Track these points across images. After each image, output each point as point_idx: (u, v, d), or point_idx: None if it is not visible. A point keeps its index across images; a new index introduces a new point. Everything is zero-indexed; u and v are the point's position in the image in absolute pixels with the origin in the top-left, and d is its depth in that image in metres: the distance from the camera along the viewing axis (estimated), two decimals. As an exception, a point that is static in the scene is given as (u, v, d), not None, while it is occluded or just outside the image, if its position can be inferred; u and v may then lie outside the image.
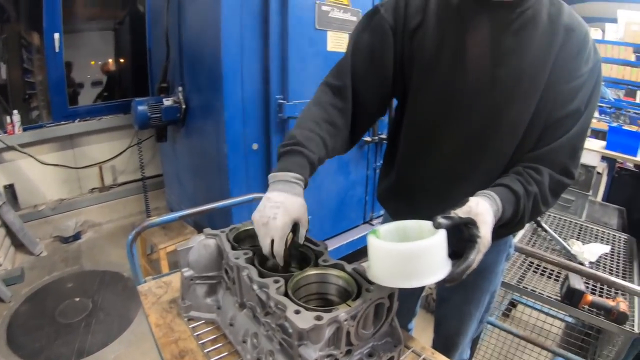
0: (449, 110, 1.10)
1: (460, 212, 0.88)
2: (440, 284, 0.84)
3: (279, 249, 0.95)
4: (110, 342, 2.59)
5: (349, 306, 0.86)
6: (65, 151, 3.90)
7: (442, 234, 0.83)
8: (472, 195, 0.97)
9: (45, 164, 3.74)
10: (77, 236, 3.86)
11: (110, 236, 3.98)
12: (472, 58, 1.03)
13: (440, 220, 0.84)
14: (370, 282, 0.93)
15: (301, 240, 1.01)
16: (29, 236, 3.54)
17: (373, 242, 0.86)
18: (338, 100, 1.13)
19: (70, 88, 3.98)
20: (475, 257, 0.85)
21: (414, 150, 1.22)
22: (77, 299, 2.99)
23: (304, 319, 0.80)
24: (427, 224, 0.89)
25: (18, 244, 3.55)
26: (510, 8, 0.99)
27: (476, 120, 1.08)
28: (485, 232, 0.87)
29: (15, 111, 3.51)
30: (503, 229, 1.02)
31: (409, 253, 0.81)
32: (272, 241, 0.95)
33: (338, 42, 2.60)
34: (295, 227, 0.99)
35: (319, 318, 0.81)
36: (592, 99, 1.03)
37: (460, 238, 0.88)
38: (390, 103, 1.26)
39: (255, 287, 0.94)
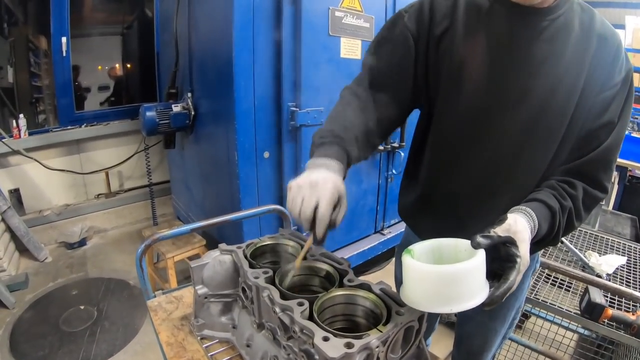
0: (480, 123, 1.05)
1: (500, 231, 0.82)
2: (478, 308, 0.78)
3: (325, 213, 0.87)
4: (115, 353, 2.54)
5: (380, 331, 0.80)
6: (72, 156, 3.88)
7: (482, 254, 0.77)
8: (502, 210, 0.92)
9: (51, 168, 3.71)
10: (82, 242, 3.83)
11: (116, 243, 3.95)
12: (504, 67, 0.99)
13: (480, 239, 0.78)
14: (400, 305, 0.87)
15: (338, 221, 0.92)
16: (34, 241, 3.51)
17: (409, 263, 0.80)
18: (364, 105, 1.09)
19: (77, 92, 3.96)
20: (516, 278, 0.79)
21: (442, 165, 1.17)
22: (82, 307, 2.95)
23: (334, 347, 0.75)
24: (463, 243, 0.83)
25: (22, 249, 3.52)
26: (542, 15, 0.95)
27: (509, 133, 1.03)
28: (524, 251, 0.82)
29: (21, 115, 3.49)
30: (537, 245, 0.98)
31: (449, 276, 0.75)
32: (317, 206, 0.87)
33: (351, 49, 2.56)
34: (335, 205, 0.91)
35: (349, 345, 0.75)
36: (625, 109, 0.99)
37: (496, 257, 0.82)
38: (410, 113, 1.22)
39: (277, 309, 0.88)
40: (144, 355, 2.53)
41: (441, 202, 1.20)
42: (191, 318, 1.20)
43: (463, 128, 1.08)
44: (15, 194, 3.63)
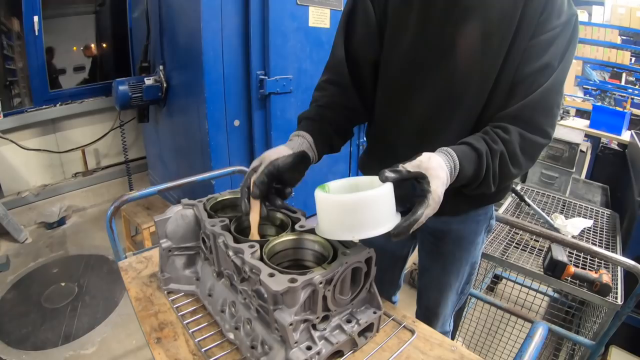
0: (418, 68, 1.08)
1: (409, 166, 0.84)
2: (386, 238, 0.82)
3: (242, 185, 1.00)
4: (96, 325, 2.59)
5: (324, 269, 0.85)
6: (47, 136, 3.84)
7: (387, 186, 0.81)
8: None
9: (27, 149, 3.68)
10: (61, 221, 3.82)
11: (95, 220, 3.95)
12: (438, 13, 1.01)
13: (387, 174, 0.82)
14: (346, 246, 0.92)
15: (257, 179, 0.97)
16: (13, 223, 3.49)
17: (317, 195, 0.85)
18: (331, 75, 1.20)
19: (53, 75, 3.90)
20: (424, 212, 0.81)
21: (387, 112, 1.21)
22: (63, 284, 2.98)
23: (278, 282, 0.80)
24: (378, 180, 0.85)
25: (2, 232, 3.50)
26: None
27: (445, 78, 1.05)
28: (435, 186, 0.83)
29: (-6, 97, 3.44)
30: (466, 188, 0.98)
31: (350, 204, 0.80)
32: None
33: (320, 18, 2.57)
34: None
35: (293, 280, 0.80)
36: (566, 54, 0.98)
37: (415, 195, 0.85)
38: None
39: (230, 253, 0.93)
40: (124, 326, 2.58)
41: (386, 149, 1.25)
42: (159, 274, 1.24)
43: (403, 76, 1.12)
44: (-7, 176, 3.60)
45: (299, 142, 1.05)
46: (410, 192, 0.86)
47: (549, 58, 0.97)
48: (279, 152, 1.00)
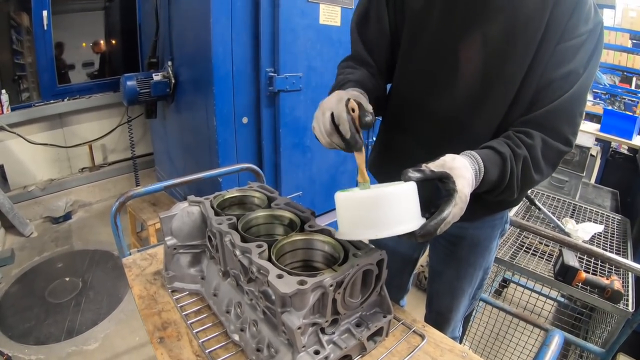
0: (439, 68, 1.06)
1: (433, 166, 0.82)
2: (411, 238, 0.78)
3: (339, 113, 0.85)
4: (100, 321, 2.58)
5: (335, 271, 0.82)
6: (55, 130, 3.85)
7: (410, 184, 0.78)
8: None
9: (34, 143, 3.68)
10: (67, 216, 3.82)
11: (101, 215, 3.94)
12: (462, 14, 0.99)
13: (410, 174, 0.79)
14: (357, 248, 0.89)
15: (363, 116, 0.86)
16: (19, 217, 3.50)
17: (337, 197, 0.82)
18: (357, 63, 1.16)
19: (61, 70, 3.91)
20: (451, 211, 0.79)
21: (403, 112, 1.18)
22: (67, 279, 2.97)
23: (287, 284, 0.77)
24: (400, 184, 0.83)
25: (8, 226, 3.51)
26: None
27: (467, 80, 1.02)
28: (462, 185, 0.80)
29: (3, 91, 3.43)
30: (490, 194, 0.96)
31: (371, 199, 0.77)
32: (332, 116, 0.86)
33: (330, 15, 2.55)
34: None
35: (302, 282, 0.77)
36: (591, 61, 0.96)
37: (441, 196, 0.82)
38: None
39: (237, 252, 0.90)
40: (128, 322, 2.57)
41: (400, 151, 1.22)
42: (163, 272, 1.21)
43: (423, 75, 1.09)
44: (0, 170, 3.61)
45: (358, 92, 0.96)
46: (434, 196, 0.83)
47: (575, 65, 0.95)
48: (343, 94, 0.90)
